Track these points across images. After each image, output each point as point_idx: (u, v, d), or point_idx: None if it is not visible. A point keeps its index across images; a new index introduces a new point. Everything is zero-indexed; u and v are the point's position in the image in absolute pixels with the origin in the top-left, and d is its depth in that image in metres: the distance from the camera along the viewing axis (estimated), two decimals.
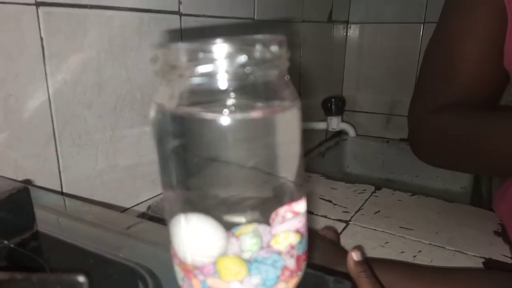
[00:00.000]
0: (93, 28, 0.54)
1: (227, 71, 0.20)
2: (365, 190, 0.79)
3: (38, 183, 0.50)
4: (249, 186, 0.24)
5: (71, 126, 0.53)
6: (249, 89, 0.21)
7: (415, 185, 1.20)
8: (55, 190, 0.52)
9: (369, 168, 1.23)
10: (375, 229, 0.63)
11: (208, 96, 0.21)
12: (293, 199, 0.25)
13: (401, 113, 1.23)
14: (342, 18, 1.23)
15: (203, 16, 0.70)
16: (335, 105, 1.07)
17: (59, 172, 0.52)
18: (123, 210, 0.62)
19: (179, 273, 0.24)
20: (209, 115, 0.20)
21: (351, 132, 1.20)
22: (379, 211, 0.70)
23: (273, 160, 0.23)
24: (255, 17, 0.85)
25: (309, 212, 0.69)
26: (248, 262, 0.23)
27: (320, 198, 0.75)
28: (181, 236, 0.23)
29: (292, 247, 0.23)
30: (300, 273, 0.25)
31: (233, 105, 0.20)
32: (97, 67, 0.55)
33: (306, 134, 1.12)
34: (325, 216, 0.68)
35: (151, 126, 0.22)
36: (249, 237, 0.23)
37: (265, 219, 0.25)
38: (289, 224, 0.24)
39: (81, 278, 0.21)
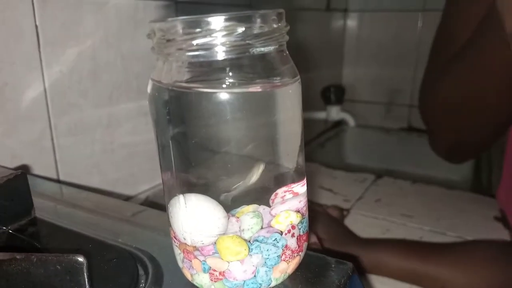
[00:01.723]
0: (88, 16, 0.53)
1: (224, 44, 0.19)
2: (365, 178, 0.79)
3: (35, 172, 0.50)
4: (250, 169, 0.23)
5: (67, 115, 0.52)
6: (248, 64, 0.20)
7: (416, 174, 1.19)
8: (52, 178, 0.51)
9: (369, 159, 1.23)
10: (376, 217, 0.63)
11: (206, 72, 0.20)
12: (293, 180, 0.25)
13: (400, 102, 1.23)
14: (341, 6, 1.22)
15: (199, 3, 0.70)
16: (335, 94, 1.07)
17: (55, 161, 0.52)
18: (121, 199, 0.62)
19: (179, 255, 0.24)
20: (207, 90, 0.20)
21: (351, 121, 1.19)
22: (380, 199, 0.70)
23: (274, 138, 0.23)
24: (251, 4, 0.84)
25: (309, 201, 0.69)
26: (249, 242, 0.22)
27: (320, 187, 0.75)
28: (180, 217, 0.22)
29: (293, 227, 0.23)
30: (301, 254, 0.24)
31: (232, 80, 0.20)
32: (92, 55, 0.54)
33: (306, 124, 1.11)
34: (326, 205, 0.67)
35: (148, 104, 0.22)
36: (249, 217, 0.23)
37: (265, 201, 0.24)
38: (290, 204, 0.24)
39: (80, 258, 0.21)
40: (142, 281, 0.25)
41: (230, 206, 0.23)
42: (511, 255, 0.44)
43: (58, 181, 0.53)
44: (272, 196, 0.24)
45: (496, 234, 0.56)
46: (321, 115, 1.11)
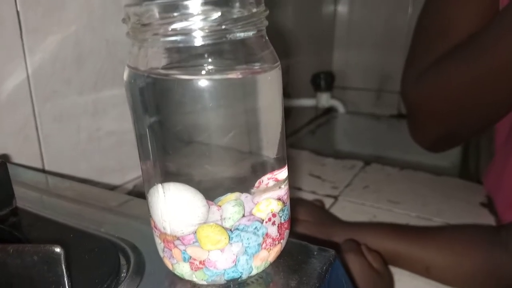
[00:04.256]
0: (72, 1, 0.52)
1: (202, 28, 0.19)
2: (354, 165, 0.79)
3: (20, 161, 0.49)
4: (230, 157, 0.23)
5: (51, 103, 0.51)
6: (226, 50, 0.20)
7: (405, 161, 1.19)
8: (36, 168, 0.51)
9: (359, 146, 1.23)
10: (363, 204, 0.63)
11: (184, 58, 0.20)
12: (275, 167, 0.24)
13: (391, 89, 1.22)
14: None
15: None
16: (325, 81, 1.06)
17: (40, 150, 0.51)
18: (108, 188, 0.61)
19: (160, 244, 0.24)
20: (185, 77, 0.19)
21: (341, 108, 1.19)
22: (368, 186, 0.70)
23: (253, 126, 0.23)
24: None
25: (297, 188, 0.69)
26: (229, 231, 0.22)
27: (309, 174, 0.75)
28: (159, 206, 0.22)
29: (273, 215, 0.23)
30: (283, 241, 0.24)
31: (210, 66, 0.20)
32: (76, 41, 0.53)
33: (295, 111, 1.11)
34: (314, 192, 0.67)
35: (125, 92, 0.21)
36: (231, 206, 0.23)
37: (248, 189, 0.24)
38: (270, 191, 0.23)
39: (58, 249, 0.20)
40: (124, 270, 0.25)
41: (213, 195, 0.23)
42: (496, 239, 0.44)
43: (43, 170, 0.52)
44: (256, 184, 0.24)
45: (482, 220, 0.57)
46: (311, 102, 1.11)
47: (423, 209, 0.61)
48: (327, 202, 0.63)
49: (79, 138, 0.55)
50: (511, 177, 0.56)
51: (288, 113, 1.09)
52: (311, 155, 0.85)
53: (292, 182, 0.71)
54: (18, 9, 0.46)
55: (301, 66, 1.11)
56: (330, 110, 1.24)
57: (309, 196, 0.65)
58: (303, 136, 1.12)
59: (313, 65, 1.17)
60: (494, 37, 0.45)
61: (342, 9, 1.24)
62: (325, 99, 1.08)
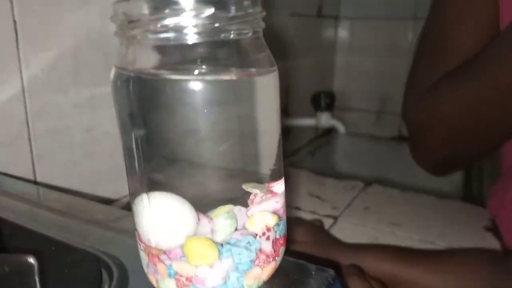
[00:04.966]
0: (70, 11, 0.51)
1: (194, 26, 0.17)
2: (354, 186, 0.77)
3: (11, 173, 0.48)
4: (223, 167, 0.22)
5: (46, 115, 0.50)
6: (219, 50, 0.19)
7: (406, 184, 1.18)
8: (28, 179, 0.49)
9: (359, 167, 1.21)
10: (364, 225, 0.62)
11: (174, 58, 0.19)
12: (271, 179, 0.23)
13: (391, 111, 1.22)
14: (332, 13, 1.22)
15: None
16: (325, 101, 1.06)
17: (33, 162, 0.50)
18: (104, 202, 0.60)
19: (144, 259, 0.22)
20: (174, 77, 0.18)
21: (341, 129, 1.18)
22: (368, 207, 0.68)
23: (248, 134, 0.21)
24: None
25: (296, 208, 0.67)
26: (220, 245, 0.20)
27: (308, 194, 0.73)
28: (144, 217, 0.20)
29: (268, 229, 0.21)
30: (277, 259, 0.22)
31: (202, 67, 0.18)
32: (74, 53, 0.52)
33: (295, 131, 1.10)
34: (313, 212, 0.66)
35: (111, 94, 0.20)
36: (223, 218, 0.21)
37: (243, 202, 0.22)
38: (265, 204, 0.22)
39: (31, 259, 0.19)
40: (106, 286, 0.23)
41: (206, 207, 0.22)
42: (501, 264, 0.42)
43: (35, 182, 0.51)
44: (252, 196, 0.22)
45: (486, 244, 0.55)
46: (311, 121, 1.10)
47: (426, 232, 0.59)
48: (327, 222, 0.61)
49: (73, 151, 0.54)
50: None
51: (287, 132, 1.08)
52: (311, 175, 0.83)
53: (291, 201, 0.69)
54: (15, 18, 0.46)
55: (302, 85, 1.10)
56: (330, 131, 1.23)
57: (308, 216, 0.63)
58: (303, 156, 1.11)
59: (314, 84, 1.16)
60: (497, 57, 0.45)
61: (343, 30, 1.25)
62: (325, 119, 1.07)
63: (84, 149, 0.56)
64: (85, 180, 0.56)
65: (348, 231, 0.59)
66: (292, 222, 0.54)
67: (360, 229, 0.61)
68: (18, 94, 0.47)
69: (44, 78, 0.49)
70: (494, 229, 0.59)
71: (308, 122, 1.10)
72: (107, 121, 0.58)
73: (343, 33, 1.25)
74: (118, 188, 0.62)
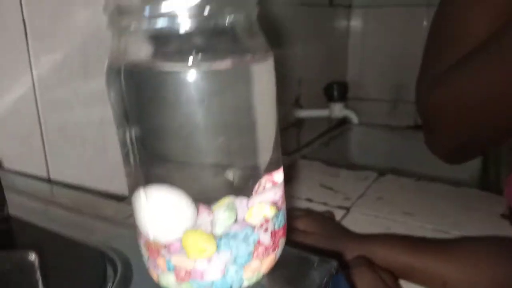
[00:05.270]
0: (78, 8, 0.52)
1: (185, 9, 0.17)
2: (367, 176, 0.76)
3: (24, 170, 0.49)
4: (222, 158, 0.22)
5: (57, 112, 0.51)
6: (214, 38, 0.19)
7: (422, 173, 1.16)
8: (41, 177, 0.50)
9: (374, 158, 1.20)
10: (376, 215, 0.61)
11: (167, 49, 0.19)
12: (271, 169, 0.23)
13: (406, 99, 1.20)
14: (345, 2, 1.20)
15: None
16: (338, 91, 1.04)
17: (46, 159, 0.51)
18: (117, 199, 0.60)
19: (145, 254, 0.22)
20: (168, 68, 0.18)
21: (355, 119, 1.17)
22: (381, 197, 0.67)
23: (247, 124, 0.21)
24: None
25: (308, 200, 0.67)
26: (219, 238, 0.20)
27: (320, 185, 0.73)
28: (142, 211, 0.21)
29: (266, 220, 0.21)
30: (277, 250, 0.22)
31: (196, 55, 0.18)
32: (83, 51, 0.53)
33: (308, 122, 1.09)
34: (325, 203, 0.65)
35: (105, 87, 0.20)
36: (222, 211, 0.21)
37: (246, 192, 0.22)
38: (263, 195, 0.22)
39: (32, 256, 0.19)
40: (110, 281, 0.24)
41: (210, 199, 0.21)
42: None
43: (48, 180, 0.51)
44: (256, 186, 0.22)
45: (503, 232, 0.54)
46: (324, 112, 1.09)
47: (440, 221, 0.58)
48: (339, 213, 0.61)
49: (85, 148, 0.55)
50: None
51: (300, 124, 1.08)
52: (323, 166, 0.82)
53: (303, 193, 0.69)
54: (24, 16, 0.46)
55: (314, 76, 1.09)
56: (343, 122, 1.22)
57: (320, 208, 0.63)
58: (316, 148, 1.10)
59: (326, 75, 1.15)
60: (510, 41, 0.43)
61: (356, 19, 1.23)
62: (338, 109, 1.06)
63: (96, 145, 0.56)
64: (98, 177, 0.57)
65: (360, 221, 0.59)
66: (303, 214, 0.54)
67: (372, 219, 0.60)
68: (29, 92, 0.48)
69: (54, 75, 0.50)
70: (511, 216, 0.58)
71: (321, 113, 1.09)
72: None
73: (356, 22, 1.23)
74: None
